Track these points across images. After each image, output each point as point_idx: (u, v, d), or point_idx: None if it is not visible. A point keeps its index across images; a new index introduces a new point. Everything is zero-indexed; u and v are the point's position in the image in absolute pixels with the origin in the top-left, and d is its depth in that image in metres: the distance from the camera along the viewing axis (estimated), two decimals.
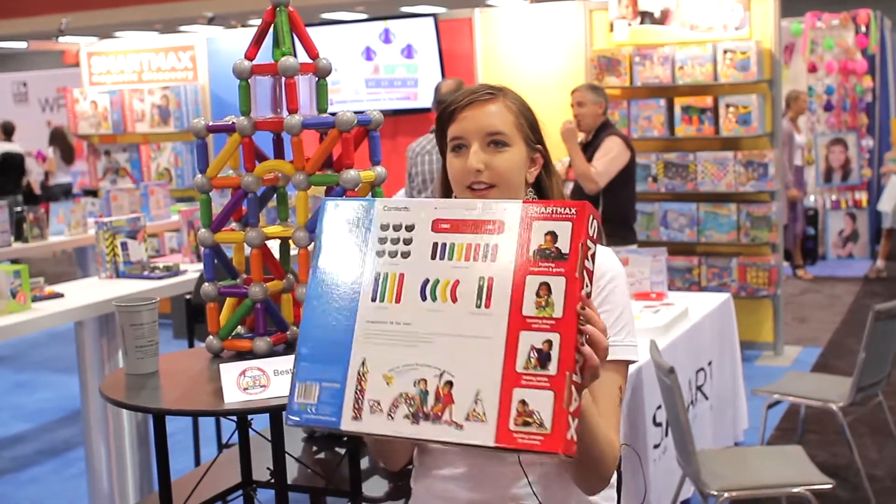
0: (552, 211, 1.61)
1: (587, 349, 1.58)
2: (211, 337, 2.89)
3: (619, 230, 5.86)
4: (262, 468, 3.01)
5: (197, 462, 4.84)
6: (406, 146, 6.39)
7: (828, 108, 11.78)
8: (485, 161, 1.92)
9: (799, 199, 10.90)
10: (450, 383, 1.58)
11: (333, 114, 2.76)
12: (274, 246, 3.04)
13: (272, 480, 2.74)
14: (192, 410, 2.53)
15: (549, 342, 1.56)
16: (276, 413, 2.56)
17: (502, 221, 1.63)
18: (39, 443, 6.27)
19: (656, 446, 4.19)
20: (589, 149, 5.90)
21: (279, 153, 2.97)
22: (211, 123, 2.87)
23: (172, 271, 4.94)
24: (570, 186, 5.94)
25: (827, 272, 11.14)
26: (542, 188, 2.03)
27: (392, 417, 1.60)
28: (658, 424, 4.20)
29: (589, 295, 1.60)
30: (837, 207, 11.93)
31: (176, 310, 8.30)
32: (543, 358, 1.55)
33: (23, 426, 6.64)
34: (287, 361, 2.55)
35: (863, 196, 11.90)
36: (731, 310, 5.36)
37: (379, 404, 1.61)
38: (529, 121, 1.99)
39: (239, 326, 2.97)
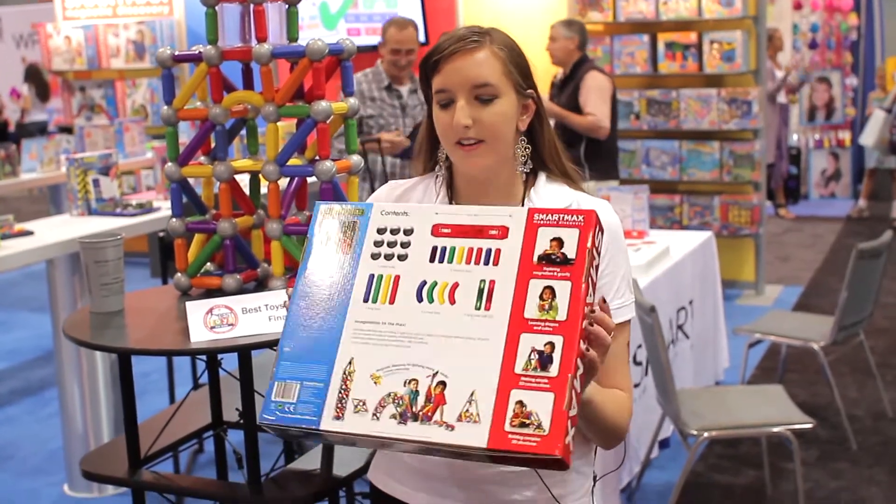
0: (559, 218, 1.59)
1: (591, 353, 1.56)
2: (179, 274, 2.82)
3: (601, 165, 5.87)
4: (233, 408, 2.94)
5: (172, 402, 4.79)
6: None
7: (812, 45, 11.67)
8: (472, 116, 1.79)
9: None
10: (443, 384, 1.54)
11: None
12: (244, 180, 2.96)
13: (242, 421, 2.67)
14: (157, 350, 2.46)
15: (552, 344, 1.52)
16: (244, 352, 2.50)
17: (506, 227, 1.61)
18: (14, 382, 6.20)
19: (636, 385, 4.15)
20: (568, 85, 5.92)
21: (248, 84, 2.88)
22: (177, 53, 2.77)
23: (145, 208, 4.85)
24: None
25: (809, 211, 11.11)
26: (533, 135, 1.91)
27: (377, 417, 1.55)
28: (638, 363, 4.16)
29: (588, 291, 1.57)
30: (820, 146, 11.88)
31: (153, 248, 8.22)
32: (545, 360, 1.51)
33: None
34: (256, 299, 2.48)
35: (846, 135, 11.84)
36: (713, 248, 5.31)
37: (364, 404, 1.56)
38: (520, 66, 1.85)
39: (208, 263, 2.90)
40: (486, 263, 1.59)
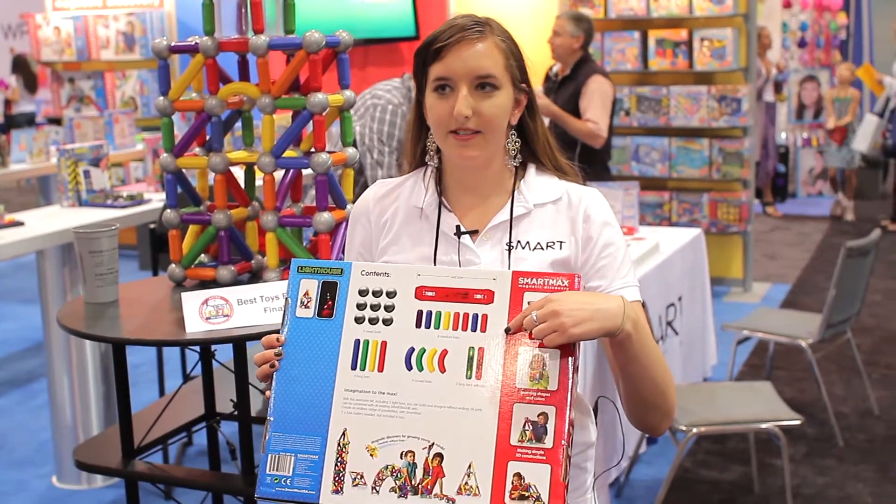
0: (544, 283, 1.62)
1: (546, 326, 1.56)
2: (173, 265, 2.82)
3: (595, 168, 5.73)
4: (226, 400, 2.95)
5: (161, 394, 4.79)
6: (376, 77, 6.26)
7: (801, 44, 11.71)
8: (473, 106, 1.78)
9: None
10: (440, 456, 1.56)
11: None
12: (239, 172, 2.96)
13: (236, 413, 2.68)
14: (153, 340, 2.47)
15: (545, 415, 1.55)
16: (239, 343, 2.50)
17: (491, 291, 1.62)
18: (3, 374, 6.19)
19: None
20: (568, 84, 5.75)
21: (244, 76, 2.88)
22: (174, 44, 2.77)
23: (136, 200, 4.84)
24: (546, 121, 5.82)
25: (796, 210, 11.14)
26: (524, 129, 1.92)
27: (377, 491, 1.56)
28: None
29: (577, 355, 1.59)
30: (808, 145, 11.90)
31: (142, 241, 8.20)
32: (539, 431, 1.55)
33: None
34: (252, 290, 2.48)
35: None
36: (703, 245, 5.32)
37: (362, 477, 1.57)
38: (518, 60, 1.86)
39: (202, 255, 2.90)
40: (474, 329, 1.61)
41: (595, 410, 1.96)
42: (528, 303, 1.61)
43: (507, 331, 1.60)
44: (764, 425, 3.85)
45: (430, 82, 1.82)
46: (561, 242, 1.84)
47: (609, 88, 5.71)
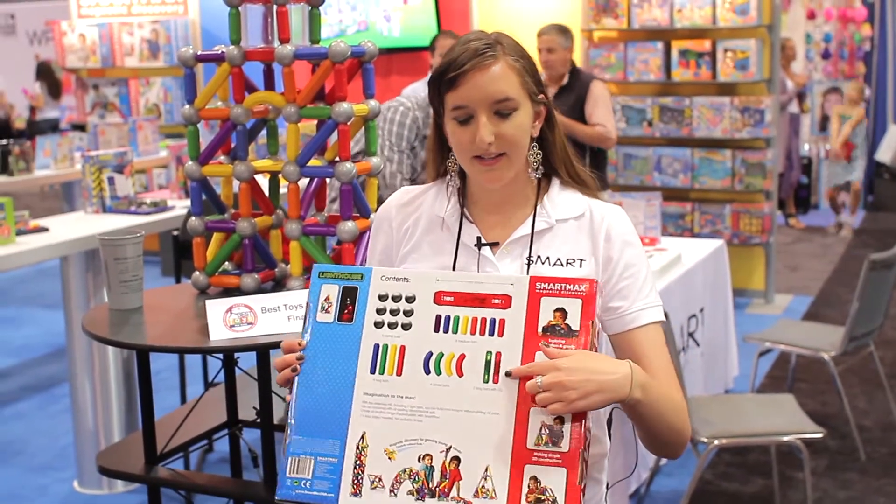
0: (561, 288, 1.63)
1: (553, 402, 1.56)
2: (197, 272, 2.83)
3: (600, 175, 5.76)
4: (248, 407, 2.96)
5: (183, 400, 4.80)
6: (400, 86, 6.26)
7: (825, 55, 11.66)
8: (494, 131, 1.78)
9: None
10: (457, 459, 1.57)
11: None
12: (263, 181, 2.97)
13: (258, 420, 2.69)
14: (177, 347, 2.48)
15: (561, 418, 1.56)
16: (262, 351, 2.51)
17: (509, 297, 1.64)
18: (25, 378, 6.22)
19: None
20: (568, 93, 5.73)
21: (270, 85, 2.90)
22: (200, 53, 2.79)
23: (160, 207, 4.86)
24: None
25: (819, 221, 11.08)
26: (544, 140, 1.91)
27: (395, 494, 1.58)
28: None
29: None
30: None
31: (164, 247, 8.23)
32: (555, 434, 1.56)
33: (8, 362, 6.59)
34: (276, 298, 2.49)
35: None
36: (725, 257, 5.31)
37: (380, 480, 1.59)
38: (532, 74, 1.85)
39: (226, 262, 2.91)
40: (492, 334, 1.62)
41: (609, 422, 1.96)
42: (552, 308, 1.61)
43: (507, 374, 1.60)
44: (786, 438, 3.84)
45: (449, 111, 1.82)
46: (581, 260, 1.83)
47: (608, 91, 5.91)
